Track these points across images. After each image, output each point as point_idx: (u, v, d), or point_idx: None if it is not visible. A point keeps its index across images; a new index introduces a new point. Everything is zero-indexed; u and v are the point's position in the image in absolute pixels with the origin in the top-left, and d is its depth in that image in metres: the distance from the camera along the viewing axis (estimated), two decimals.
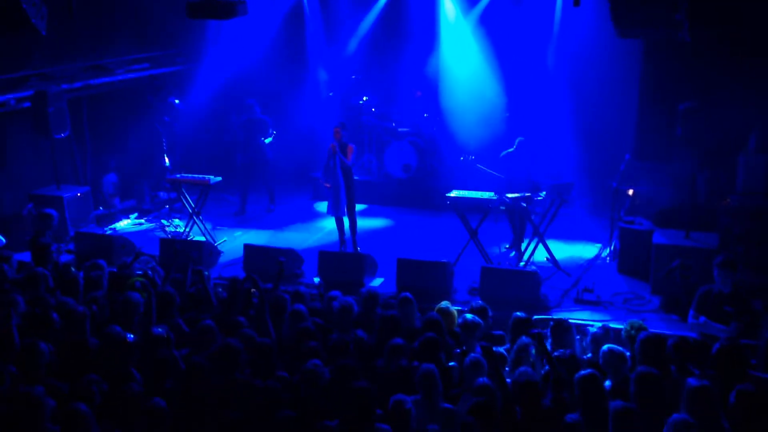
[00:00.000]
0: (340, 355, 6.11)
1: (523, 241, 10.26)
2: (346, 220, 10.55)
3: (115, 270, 8.34)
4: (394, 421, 5.18)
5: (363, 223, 12.04)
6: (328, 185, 10.30)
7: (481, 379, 5.50)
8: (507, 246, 10.40)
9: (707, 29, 8.95)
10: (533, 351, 6.14)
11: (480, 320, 6.60)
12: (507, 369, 6.13)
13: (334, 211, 10.38)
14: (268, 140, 12.52)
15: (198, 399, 5.58)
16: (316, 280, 9.27)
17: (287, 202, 13.18)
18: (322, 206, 11.99)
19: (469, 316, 6.64)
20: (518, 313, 6.89)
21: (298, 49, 14.17)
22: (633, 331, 6.36)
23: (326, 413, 5.40)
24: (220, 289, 8.06)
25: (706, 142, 8.79)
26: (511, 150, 10.22)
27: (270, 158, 12.61)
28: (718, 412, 5.02)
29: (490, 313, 7.07)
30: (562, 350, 6.12)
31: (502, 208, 10.21)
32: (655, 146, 10.25)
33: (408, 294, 7.25)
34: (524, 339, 6.23)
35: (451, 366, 6.22)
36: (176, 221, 12.02)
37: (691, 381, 5.16)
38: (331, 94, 13.87)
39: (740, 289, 6.98)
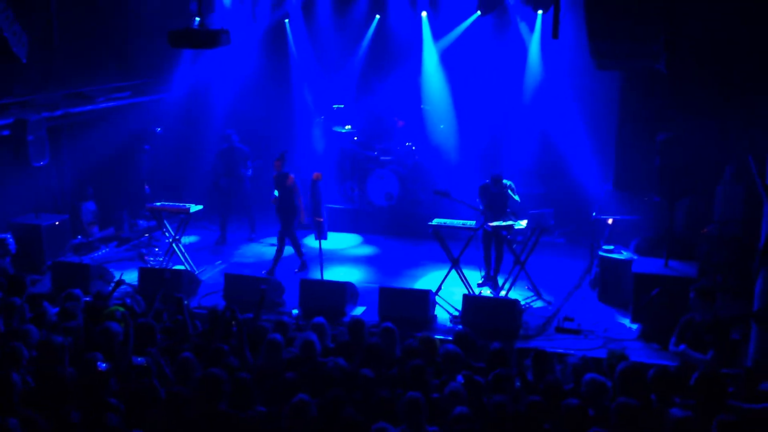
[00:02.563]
0: (320, 385, 6.06)
1: (498, 270, 10.28)
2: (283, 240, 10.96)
3: (90, 299, 8.24)
4: None
5: (345, 251, 12.04)
6: (320, 219, 10.32)
7: (459, 408, 5.46)
8: (480, 280, 10.35)
9: (684, 61, 9.11)
10: (517, 382, 6.11)
11: (460, 350, 6.56)
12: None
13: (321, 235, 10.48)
14: (249, 171, 12.53)
15: (179, 429, 5.50)
16: (295, 311, 9.23)
17: (269, 230, 13.13)
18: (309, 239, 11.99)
19: (450, 346, 6.61)
20: (495, 344, 6.87)
21: (281, 77, 14.25)
22: (614, 360, 6.37)
23: None
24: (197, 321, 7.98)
25: (683, 172, 8.89)
26: (488, 182, 10.23)
27: (249, 187, 12.60)
28: None
29: (479, 341, 7.07)
30: (544, 380, 6.11)
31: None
32: (633, 176, 10.36)
33: (390, 324, 7.23)
34: (500, 370, 6.19)
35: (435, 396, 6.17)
36: (156, 249, 11.94)
37: (674, 412, 5.16)
38: (321, 117, 13.93)
39: (720, 318, 7.02)
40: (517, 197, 10.14)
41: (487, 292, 10.08)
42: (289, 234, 10.95)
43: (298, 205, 10.91)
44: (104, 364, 6.02)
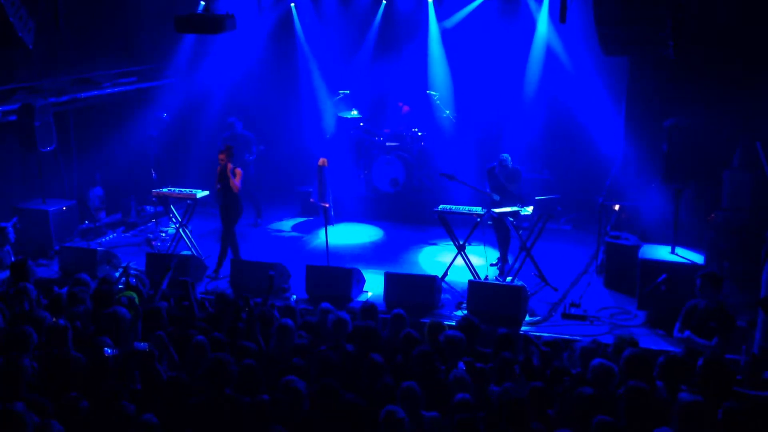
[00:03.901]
0: (324, 370, 6.10)
1: (505, 257, 10.28)
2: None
3: (97, 284, 8.27)
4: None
5: (351, 238, 12.05)
6: (326, 204, 10.28)
7: (460, 394, 5.48)
8: (493, 262, 10.39)
9: (692, 47, 9.05)
10: (517, 368, 6.12)
11: (463, 336, 6.57)
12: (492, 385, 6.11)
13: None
14: (253, 157, 12.49)
15: (184, 414, 5.54)
16: (293, 297, 9.26)
17: (275, 216, 13.17)
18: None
19: (451, 332, 6.63)
20: (502, 330, 6.90)
21: (287, 63, 14.22)
22: (624, 344, 6.37)
23: (315, 429, 5.38)
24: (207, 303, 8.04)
25: (691, 158, 8.86)
26: (495, 165, 10.23)
27: (253, 174, 12.54)
28: (708, 428, 5.02)
29: (484, 327, 7.08)
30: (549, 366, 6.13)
31: (489, 222, 10.24)
32: (641, 162, 10.33)
33: (401, 311, 7.27)
34: (506, 355, 6.21)
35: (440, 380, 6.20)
36: (162, 235, 11.98)
37: (683, 396, 5.16)
38: (329, 103, 13.83)
39: (725, 305, 7.01)
40: (502, 181, 10.07)
41: (495, 270, 10.13)
42: (229, 234, 10.51)
43: (241, 203, 10.57)
44: (111, 350, 6.05)
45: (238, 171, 10.40)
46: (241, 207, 10.58)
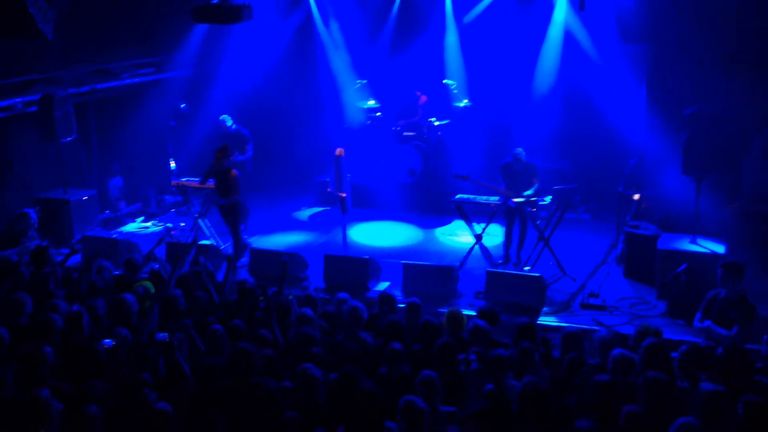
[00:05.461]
0: (342, 359, 6.11)
1: (522, 246, 10.22)
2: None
3: (120, 272, 8.35)
4: (406, 421, 5.15)
5: (368, 227, 12.06)
6: (343, 194, 10.25)
7: (489, 385, 5.47)
8: (500, 263, 10.31)
9: (710, 35, 8.96)
10: (537, 357, 6.11)
11: (489, 326, 6.56)
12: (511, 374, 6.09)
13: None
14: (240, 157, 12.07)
15: (206, 402, 5.57)
16: (311, 287, 9.30)
17: (293, 206, 13.20)
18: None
19: (479, 321, 6.61)
20: (522, 319, 6.88)
21: (305, 53, 14.19)
22: (648, 332, 6.33)
23: (331, 417, 5.40)
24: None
25: (711, 146, 8.77)
26: (509, 160, 10.13)
27: (250, 173, 12.13)
28: (730, 418, 4.98)
29: (501, 317, 7.07)
30: (568, 355, 6.10)
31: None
32: (661, 150, 10.24)
33: (416, 299, 7.27)
34: (526, 344, 6.19)
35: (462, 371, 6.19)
36: (182, 224, 12.05)
37: (705, 386, 5.12)
38: (358, 82, 13.72)
39: (746, 294, 6.96)
40: (533, 188, 9.96)
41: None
42: (234, 233, 10.35)
43: (242, 204, 10.36)
44: (111, 341, 6.07)
45: (234, 172, 10.13)
46: (246, 206, 10.35)
